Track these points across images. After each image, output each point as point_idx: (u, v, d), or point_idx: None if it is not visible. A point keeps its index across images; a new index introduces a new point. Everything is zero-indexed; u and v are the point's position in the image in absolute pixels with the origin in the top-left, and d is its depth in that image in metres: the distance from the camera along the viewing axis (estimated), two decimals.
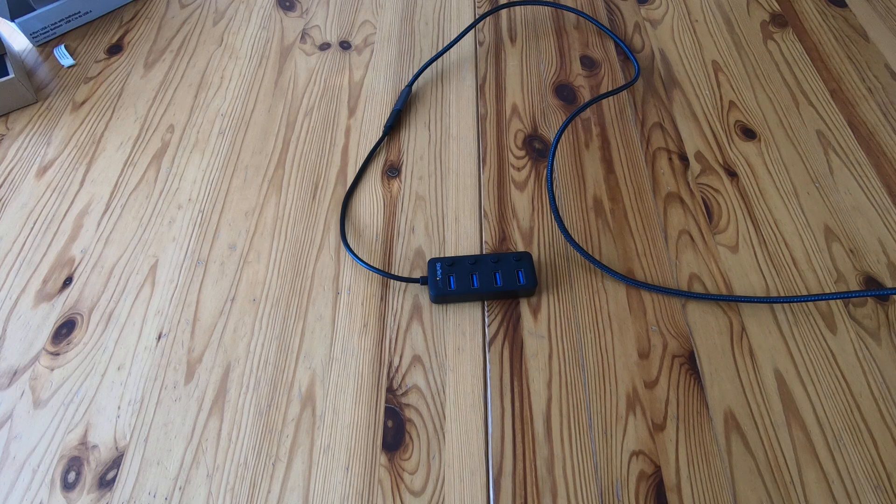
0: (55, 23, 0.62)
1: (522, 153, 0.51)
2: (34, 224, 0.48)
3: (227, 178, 0.50)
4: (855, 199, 0.47)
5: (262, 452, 0.36)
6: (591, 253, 0.45)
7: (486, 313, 0.42)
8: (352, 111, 0.55)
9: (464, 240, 0.46)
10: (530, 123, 0.53)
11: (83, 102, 0.56)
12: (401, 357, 0.40)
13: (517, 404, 0.38)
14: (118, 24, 0.64)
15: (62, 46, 0.61)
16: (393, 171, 0.50)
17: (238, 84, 0.57)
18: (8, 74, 0.55)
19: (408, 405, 0.38)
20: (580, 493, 0.35)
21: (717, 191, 0.48)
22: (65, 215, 0.48)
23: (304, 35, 0.62)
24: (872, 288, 0.43)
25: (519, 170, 0.50)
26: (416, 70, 0.58)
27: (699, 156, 0.50)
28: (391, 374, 0.39)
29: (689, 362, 0.39)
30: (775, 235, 0.45)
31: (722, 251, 0.44)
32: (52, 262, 0.45)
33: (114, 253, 0.46)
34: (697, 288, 0.43)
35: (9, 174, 0.51)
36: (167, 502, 0.35)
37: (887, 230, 0.45)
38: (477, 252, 0.45)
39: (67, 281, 0.44)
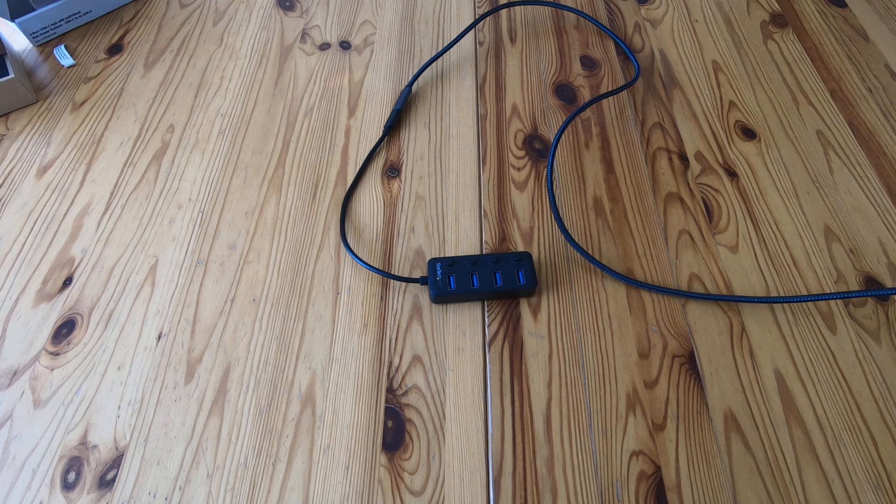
0: (55, 23, 0.62)
1: (522, 153, 0.51)
2: (34, 224, 0.48)
3: (227, 178, 0.50)
4: (855, 199, 0.47)
5: (262, 452, 0.36)
6: (591, 253, 0.45)
7: (486, 313, 0.42)
8: (352, 111, 0.55)
9: (464, 240, 0.46)
10: (530, 123, 0.53)
11: (83, 102, 0.56)
12: (401, 357, 0.40)
13: (517, 404, 0.38)
14: (118, 24, 0.64)
15: (62, 46, 0.61)
16: (393, 171, 0.50)
17: (238, 84, 0.57)
18: (8, 74, 0.55)
19: (408, 405, 0.38)
20: (580, 493, 0.35)
21: (717, 191, 0.48)
22: (65, 215, 0.48)
23: (304, 35, 0.62)
24: (872, 288, 0.43)
25: (519, 170, 0.50)
26: (416, 70, 0.58)
27: (699, 156, 0.50)
28: (391, 374, 0.39)
29: (689, 362, 0.39)
30: (775, 235, 0.45)
31: (722, 251, 0.44)
32: (52, 262, 0.45)
33: (114, 253, 0.46)
34: (697, 288, 0.43)
35: (9, 174, 0.51)
36: (167, 502, 0.35)
37: (887, 230, 0.45)
38: (477, 252, 0.45)
39: (67, 281, 0.44)
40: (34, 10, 0.60)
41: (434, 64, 0.59)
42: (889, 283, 0.43)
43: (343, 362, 0.40)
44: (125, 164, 0.51)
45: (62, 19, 0.62)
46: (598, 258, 0.44)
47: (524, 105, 0.55)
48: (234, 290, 0.43)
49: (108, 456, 0.36)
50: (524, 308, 0.42)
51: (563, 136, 0.52)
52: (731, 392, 0.38)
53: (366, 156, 0.51)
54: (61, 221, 0.48)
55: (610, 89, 0.55)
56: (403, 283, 0.43)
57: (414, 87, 0.57)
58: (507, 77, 0.57)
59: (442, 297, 0.41)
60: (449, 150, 0.51)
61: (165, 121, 0.55)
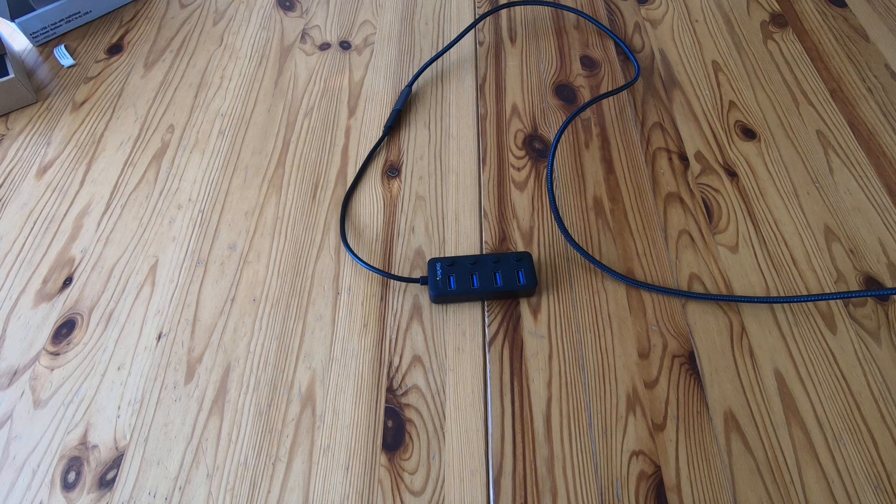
0: (55, 23, 0.62)
1: (522, 153, 0.51)
2: (34, 224, 0.48)
3: (227, 178, 0.50)
4: (855, 199, 0.47)
5: (262, 452, 0.36)
6: (591, 253, 0.45)
7: (486, 313, 0.42)
8: (352, 111, 0.55)
9: (464, 240, 0.46)
10: (530, 123, 0.53)
11: (83, 102, 0.56)
12: (401, 357, 0.40)
13: (517, 404, 0.38)
14: (118, 24, 0.64)
15: (62, 46, 0.61)
16: (393, 171, 0.50)
17: (238, 84, 0.57)
18: (8, 74, 0.54)
19: (408, 405, 0.38)
20: (580, 493, 0.35)
21: (717, 191, 0.48)
22: (65, 215, 0.48)
23: (304, 35, 0.62)
24: (872, 288, 0.43)
25: (519, 170, 0.50)
26: (416, 70, 0.58)
27: (699, 156, 0.50)
28: (391, 374, 0.39)
29: (689, 362, 0.39)
30: (775, 235, 0.45)
31: (722, 251, 0.44)
32: (52, 262, 0.45)
33: (114, 253, 0.46)
34: (697, 288, 0.43)
35: (9, 174, 0.51)
36: (167, 502, 0.35)
37: (887, 230, 0.45)
38: (477, 252, 0.45)
39: (67, 281, 0.44)
40: (34, 10, 0.60)
41: (434, 64, 0.59)
42: (889, 283, 0.43)
43: (343, 362, 0.40)
44: (125, 164, 0.51)
45: (62, 19, 0.62)
46: (598, 258, 0.44)
47: (524, 105, 0.55)
48: (234, 290, 0.43)
49: (108, 456, 0.36)
50: (524, 308, 0.42)
51: (563, 136, 0.52)
52: (731, 392, 0.38)
53: (366, 156, 0.51)
54: (61, 221, 0.48)
55: (610, 89, 0.55)
56: (403, 283, 0.43)
57: (414, 87, 0.57)
58: (507, 77, 0.57)
59: (442, 297, 0.41)
60: (449, 150, 0.51)
61: (165, 121, 0.55)
